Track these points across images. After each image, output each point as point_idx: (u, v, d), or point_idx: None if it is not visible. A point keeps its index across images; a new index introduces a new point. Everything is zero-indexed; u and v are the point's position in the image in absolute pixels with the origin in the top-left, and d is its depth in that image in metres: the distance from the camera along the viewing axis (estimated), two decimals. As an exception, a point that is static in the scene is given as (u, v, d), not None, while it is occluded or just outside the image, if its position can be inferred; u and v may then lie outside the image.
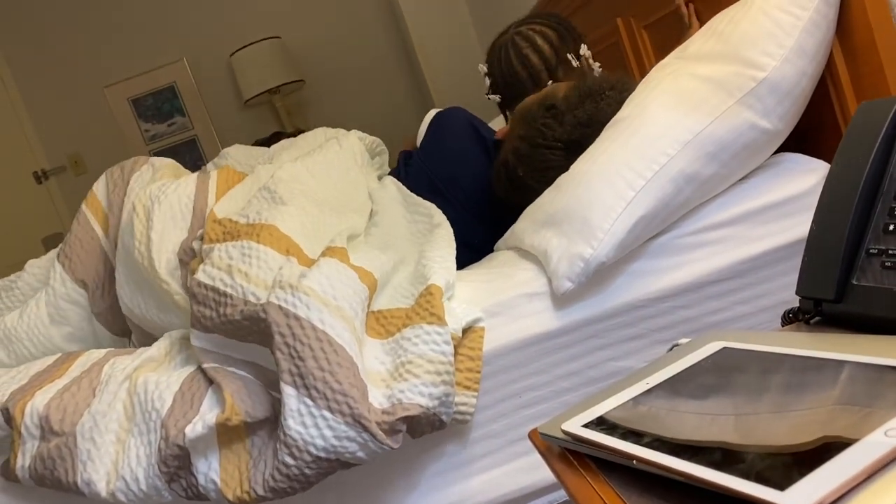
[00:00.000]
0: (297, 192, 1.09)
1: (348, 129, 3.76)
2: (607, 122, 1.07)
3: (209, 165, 1.50)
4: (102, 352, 1.05)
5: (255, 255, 0.94)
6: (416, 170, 1.32)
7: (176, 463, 0.86)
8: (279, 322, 0.85)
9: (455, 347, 0.91)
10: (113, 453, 0.88)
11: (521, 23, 1.40)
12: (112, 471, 0.87)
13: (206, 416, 0.87)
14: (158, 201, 1.11)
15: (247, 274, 0.93)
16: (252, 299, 0.90)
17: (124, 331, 1.20)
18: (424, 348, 0.88)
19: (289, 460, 0.82)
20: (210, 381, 0.94)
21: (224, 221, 1.01)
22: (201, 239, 1.04)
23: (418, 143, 1.40)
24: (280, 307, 0.86)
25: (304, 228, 1.02)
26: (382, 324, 0.95)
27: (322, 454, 0.82)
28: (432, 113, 1.39)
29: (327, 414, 0.81)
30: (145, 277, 1.09)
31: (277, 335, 0.84)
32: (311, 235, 1.03)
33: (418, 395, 0.84)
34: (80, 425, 0.89)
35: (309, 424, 0.81)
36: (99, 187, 1.24)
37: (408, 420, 0.84)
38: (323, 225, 1.07)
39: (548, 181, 1.09)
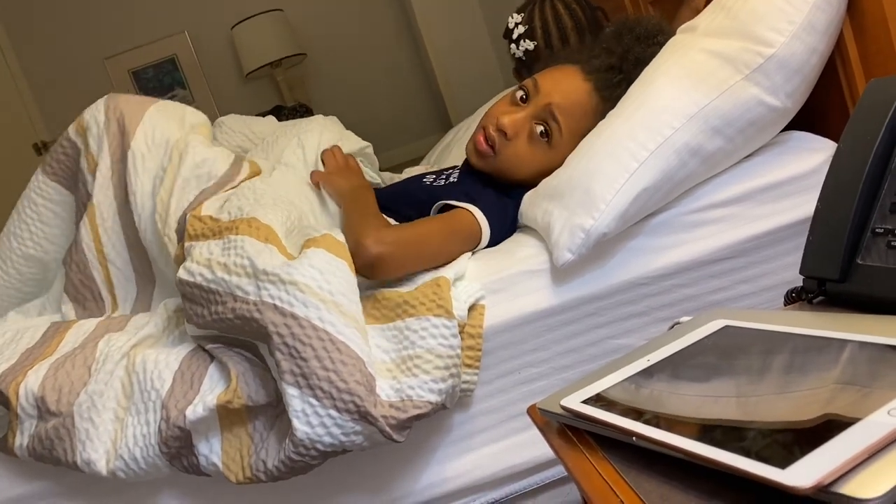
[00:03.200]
0: (282, 195, 1.05)
1: (350, 105, 3.70)
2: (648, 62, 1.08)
3: None
4: (93, 323, 1.03)
5: (233, 246, 0.91)
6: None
7: (177, 444, 0.86)
8: (276, 322, 0.82)
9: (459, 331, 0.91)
10: (112, 431, 0.88)
11: None
12: (111, 449, 0.87)
13: (207, 397, 0.86)
14: (192, 155, 1.05)
15: (225, 265, 0.89)
16: (239, 293, 0.86)
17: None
18: (433, 342, 0.87)
19: (295, 457, 0.83)
20: (210, 358, 0.93)
21: (205, 219, 0.97)
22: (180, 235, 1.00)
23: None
24: (275, 306, 0.83)
25: (284, 225, 0.98)
26: (378, 308, 0.93)
27: (329, 449, 0.82)
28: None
29: (334, 413, 0.80)
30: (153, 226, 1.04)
31: (276, 336, 0.82)
32: (290, 235, 0.99)
33: (428, 392, 0.84)
34: (78, 405, 0.89)
35: (315, 424, 0.81)
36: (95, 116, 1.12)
37: (419, 417, 0.84)
38: (304, 228, 1.02)
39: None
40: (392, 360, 0.87)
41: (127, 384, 0.90)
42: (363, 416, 0.80)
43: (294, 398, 0.81)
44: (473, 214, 1.05)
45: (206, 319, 0.89)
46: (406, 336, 0.88)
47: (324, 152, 1.23)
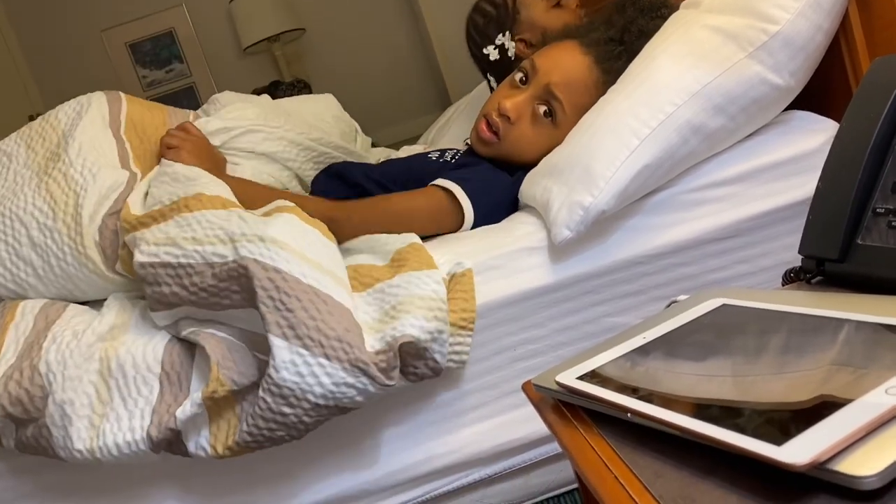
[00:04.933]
0: (203, 173, 1.01)
1: (348, 81, 3.68)
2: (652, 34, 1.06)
3: (199, 112, 1.47)
4: (32, 314, 0.96)
5: (195, 221, 0.89)
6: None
7: (167, 441, 0.85)
8: (259, 276, 0.81)
9: (447, 291, 0.90)
10: (87, 439, 0.86)
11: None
12: (91, 451, 0.85)
13: (194, 394, 0.84)
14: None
15: (194, 238, 0.87)
16: (217, 260, 0.85)
17: None
18: (416, 290, 0.87)
19: (286, 409, 0.81)
20: (192, 349, 0.90)
21: (137, 217, 0.94)
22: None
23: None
24: (257, 261, 0.82)
25: (230, 194, 0.97)
26: (358, 279, 0.92)
27: (321, 401, 0.81)
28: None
29: (324, 361, 0.79)
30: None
31: (260, 289, 0.81)
32: (241, 202, 0.97)
33: (410, 328, 0.83)
34: (49, 416, 0.86)
35: (305, 374, 0.80)
36: None
37: (402, 352, 0.83)
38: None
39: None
40: (374, 318, 0.87)
41: (103, 390, 0.87)
42: (353, 364, 0.80)
43: (281, 349, 0.79)
44: (453, 193, 1.06)
45: (180, 296, 0.87)
46: (388, 292, 0.88)
47: (171, 129, 1.12)
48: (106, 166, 1.00)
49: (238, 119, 1.23)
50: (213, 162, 1.11)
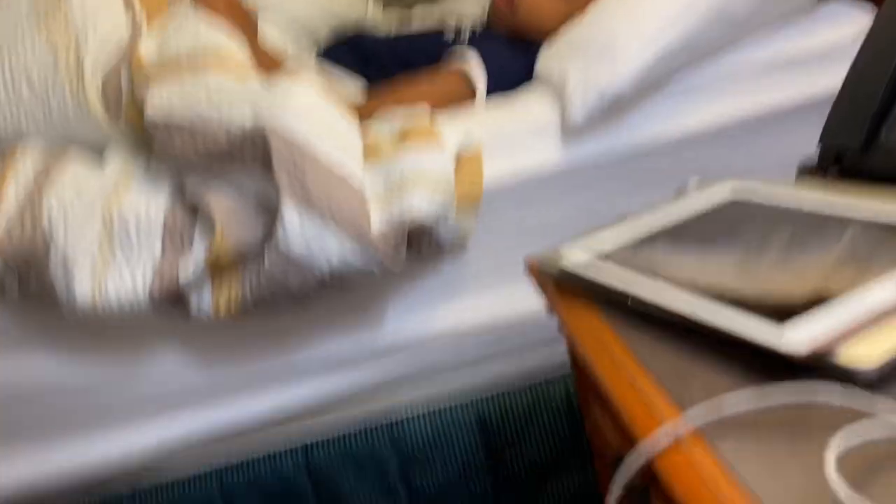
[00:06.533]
0: (229, 35, 0.96)
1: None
2: None
3: None
4: (32, 166, 0.94)
5: (213, 81, 0.87)
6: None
7: (169, 300, 0.86)
8: (277, 144, 0.81)
9: (454, 170, 0.89)
10: (89, 294, 0.86)
11: None
12: (94, 302, 0.87)
13: (197, 254, 0.85)
14: None
15: (209, 98, 0.85)
16: (235, 123, 0.83)
17: None
18: (422, 166, 0.86)
19: (291, 277, 0.82)
20: (195, 208, 0.90)
21: (150, 65, 0.91)
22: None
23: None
24: (276, 129, 0.81)
25: (251, 62, 0.94)
26: (364, 150, 0.91)
27: (326, 273, 0.82)
28: None
29: (334, 235, 0.80)
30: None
31: (276, 157, 0.80)
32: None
33: (416, 205, 0.83)
34: (52, 270, 0.86)
35: (314, 245, 0.80)
36: None
37: (409, 233, 0.83)
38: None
39: None
40: (377, 192, 0.86)
41: (106, 245, 0.88)
42: (362, 241, 0.80)
43: (292, 218, 0.80)
44: (467, 72, 1.04)
45: (189, 156, 0.86)
46: (394, 167, 0.87)
47: None
48: (105, 7, 0.97)
49: None
50: (249, 23, 1.08)
